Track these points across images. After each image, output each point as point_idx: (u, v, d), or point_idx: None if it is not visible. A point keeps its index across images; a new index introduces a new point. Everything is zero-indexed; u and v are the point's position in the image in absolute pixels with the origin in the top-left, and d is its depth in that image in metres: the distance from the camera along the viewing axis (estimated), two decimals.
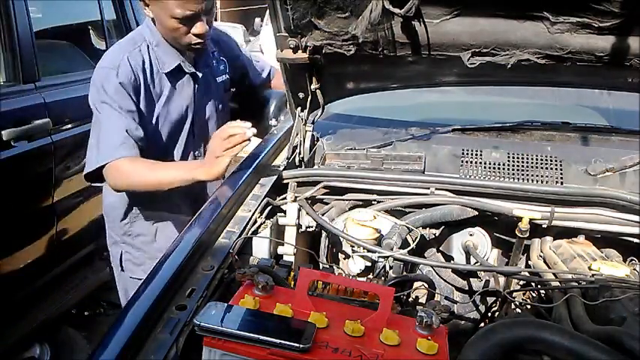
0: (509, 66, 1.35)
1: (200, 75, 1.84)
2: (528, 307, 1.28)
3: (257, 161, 1.58)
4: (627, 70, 1.37)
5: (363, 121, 1.97)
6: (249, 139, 1.43)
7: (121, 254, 2.00)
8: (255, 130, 1.43)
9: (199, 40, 1.68)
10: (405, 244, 1.34)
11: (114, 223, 1.98)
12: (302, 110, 1.65)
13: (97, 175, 1.67)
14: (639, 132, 1.74)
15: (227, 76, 1.99)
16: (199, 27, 1.65)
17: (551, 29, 1.26)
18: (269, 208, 1.39)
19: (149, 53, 1.73)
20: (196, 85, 1.84)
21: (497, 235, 1.50)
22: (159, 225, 1.96)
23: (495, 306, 1.30)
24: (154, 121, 1.77)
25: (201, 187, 1.92)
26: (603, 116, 2.08)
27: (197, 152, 1.94)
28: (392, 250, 1.29)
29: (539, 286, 1.29)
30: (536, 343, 0.89)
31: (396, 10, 1.18)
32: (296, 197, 1.45)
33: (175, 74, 1.79)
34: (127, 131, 1.62)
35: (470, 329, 1.39)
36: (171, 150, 1.87)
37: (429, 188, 1.46)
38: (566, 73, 1.50)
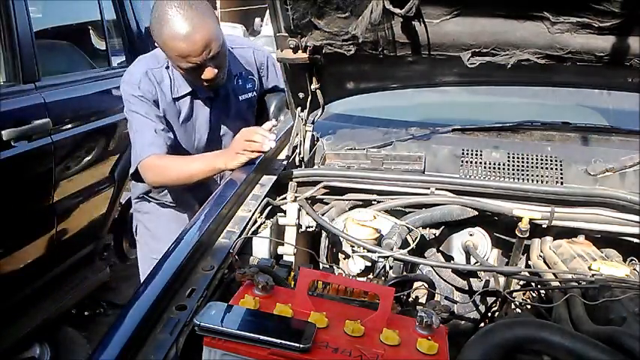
0: (509, 66, 1.34)
1: (217, 97, 1.89)
2: (528, 307, 1.28)
3: (257, 161, 1.58)
4: (627, 70, 1.36)
5: (363, 121, 1.97)
6: (264, 152, 1.50)
7: (136, 226, 2.14)
8: (274, 144, 1.49)
9: (209, 84, 1.72)
10: (405, 244, 1.34)
11: (132, 198, 2.13)
12: (302, 110, 1.64)
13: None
14: (639, 132, 1.74)
15: (254, 93, 2.00)
16: (207, 73, 1.67)
17: (551, 29, 1.25)
18: (269, 208, 1.39)
19: (169, 74, 1.80)
20: (212, 108, 1.90)
21: (497, 235, 1.50)
22: (165, 212, 2.04)
23: (495, 306, 1.30)
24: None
25: (210, 181, 1.94)
26: (603, 116, 2.08)
27: None
28: (392, 250, 1.29)
29: (539, 286, 1.29)
30: (536, 343, 0.89)
31: (396, 10, 1.17)
32: (296, 197, 1.45)
33: (192, 96, 1.85)
34: (155, 131, 1.72)
35: (470, 329, 1.39)
36: None
37: (429, 188, 1.46)
38: (566, 73, 1.50)
